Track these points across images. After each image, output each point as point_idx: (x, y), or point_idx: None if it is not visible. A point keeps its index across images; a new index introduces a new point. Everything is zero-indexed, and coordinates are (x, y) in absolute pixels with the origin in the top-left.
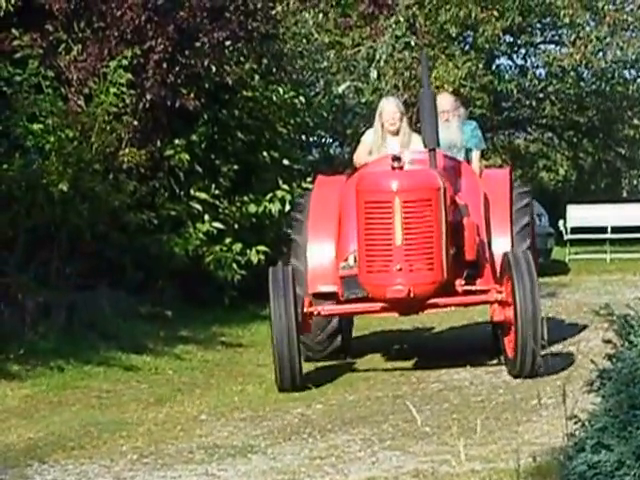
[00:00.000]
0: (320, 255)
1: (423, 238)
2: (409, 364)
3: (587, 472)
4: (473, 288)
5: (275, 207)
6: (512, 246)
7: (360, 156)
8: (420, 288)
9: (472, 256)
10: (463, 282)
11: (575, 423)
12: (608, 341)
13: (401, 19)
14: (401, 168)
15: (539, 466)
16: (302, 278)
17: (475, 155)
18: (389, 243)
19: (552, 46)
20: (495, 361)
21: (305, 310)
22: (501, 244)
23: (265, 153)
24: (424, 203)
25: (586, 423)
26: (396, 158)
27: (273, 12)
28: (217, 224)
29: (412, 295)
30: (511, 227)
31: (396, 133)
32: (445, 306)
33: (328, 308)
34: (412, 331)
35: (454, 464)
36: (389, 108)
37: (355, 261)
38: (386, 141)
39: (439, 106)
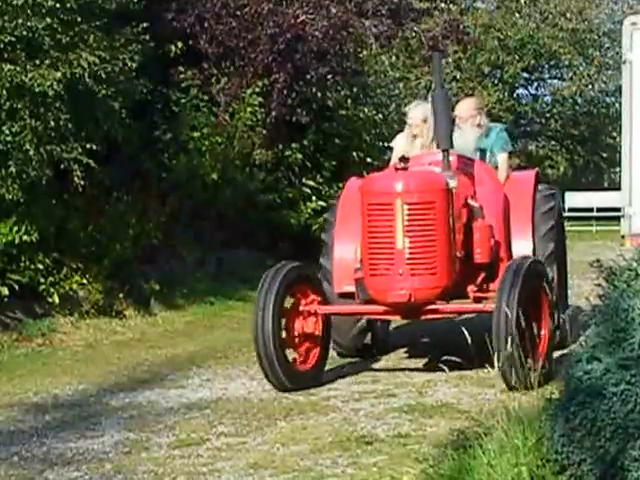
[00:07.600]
0: (344, 256)
1: (426, 242)
2: None
3: (583, 377)
4: (485, 295)
5: None
6: (534, 250)
7: (394, 161)
8: (421, 293)
9: (485, 259)
10: (475, 288)
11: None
12: (598, 285)
13: (450, 60)
14: (405, 169)
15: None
16: (330, 277)
17: (501, 157)
18: (391, 246)
19: (556, 80)
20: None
21: (301, 308)
22: (522, 247)
23: (354, 154)
24: (427, 205)
25: (582, 342)
26: (404, 159)
27: (361, 55)
28: (321, 203)
29: (413, 300)
30: (533, 229)
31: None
32: (445, 313)
33: (325, 308)
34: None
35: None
36: (413, 113)
37: None
38: (414, 143)
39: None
